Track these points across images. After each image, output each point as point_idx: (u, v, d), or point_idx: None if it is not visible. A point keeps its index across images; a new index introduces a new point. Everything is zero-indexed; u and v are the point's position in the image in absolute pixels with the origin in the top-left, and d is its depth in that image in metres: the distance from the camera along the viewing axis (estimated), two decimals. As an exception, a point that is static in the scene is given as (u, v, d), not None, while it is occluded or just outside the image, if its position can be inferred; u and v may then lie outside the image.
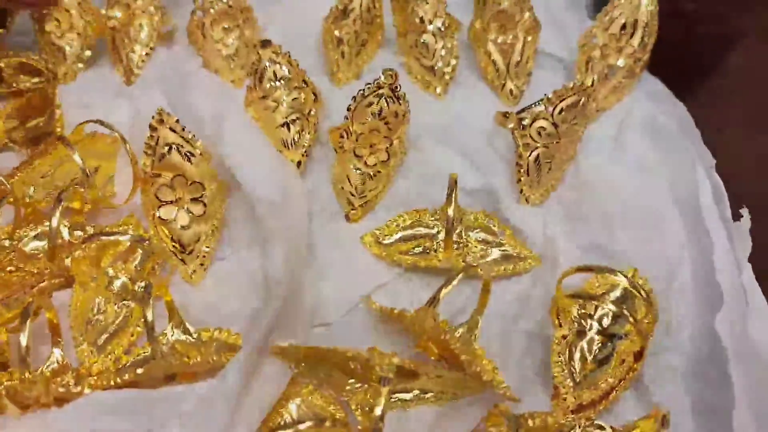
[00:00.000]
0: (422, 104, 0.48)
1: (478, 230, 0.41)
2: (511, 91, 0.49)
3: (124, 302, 0.39)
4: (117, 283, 0.39)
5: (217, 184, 0.41)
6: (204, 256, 0.40)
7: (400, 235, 0.42)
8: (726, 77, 0.53)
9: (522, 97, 0.49)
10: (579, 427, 0.33)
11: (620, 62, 0.47)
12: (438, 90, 0.49)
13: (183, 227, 0.40)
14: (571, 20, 0.52)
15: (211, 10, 0.49)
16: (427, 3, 0.48)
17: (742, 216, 0.38)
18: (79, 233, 0.41)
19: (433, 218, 0.42)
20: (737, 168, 0.43)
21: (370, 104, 0.39)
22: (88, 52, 0.51)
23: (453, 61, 0.49)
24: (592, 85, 0.41)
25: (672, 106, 0.46)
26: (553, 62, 0.51)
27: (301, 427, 0.30)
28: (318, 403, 0.35)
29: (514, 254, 0.41)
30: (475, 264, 0.39)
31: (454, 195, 0.39)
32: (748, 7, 0.55)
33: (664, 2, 0.47)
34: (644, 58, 0.47)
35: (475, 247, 0.41)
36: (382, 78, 0.39)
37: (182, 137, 0.39)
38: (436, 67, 0.49)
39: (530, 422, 0.33)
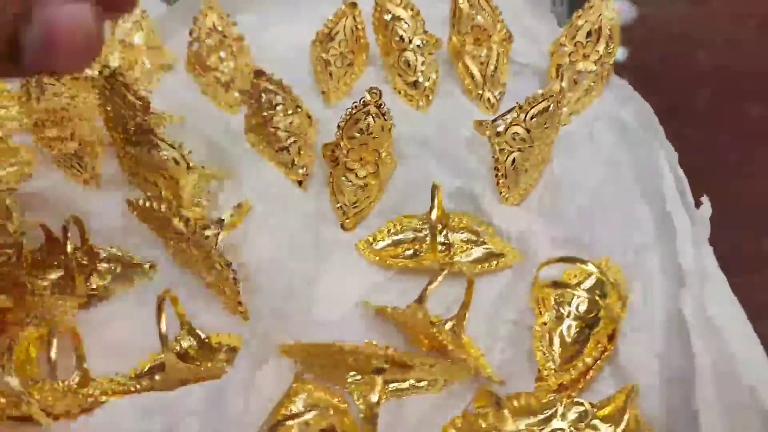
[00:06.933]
0: (407, 117, 0.51)
1: (462, 231, 0.44)
2: (488, 99, 0.52)
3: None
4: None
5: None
6: None
7: (391, 240, 0.45)
8: (688, 75, 0.56)
9: (500, 105, 0.52)
10: (561, 404, 0.35)
11: (588, 67, 0.50)
12: (421, 103, 0.52)
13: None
14: (542, 30, 0.55)
15: (207, 41, 0.53)
16: (407, 23, 0.51)
17: (702, 203, 0.40)
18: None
19: (420, 223, 0.45)
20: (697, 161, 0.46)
21: (357, 121, 0.42)
22: None
23: (433, 75, 0.52)
24: (560, 91, 0.43)
25: (638, 105, 0.49)
26: (528, 70, 0.53)
27: (307, 416, 0.33)
28: (322, 396, 0.38)
29: (497, 252, 0.43)
30: (458, 263, 0.42)
31: (437, 201, 0.42)
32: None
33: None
34: (610, 62, 0.50)
35: (460, 247, 0.44)
36: (368, 96, 0.42)
37: None
38: (417, 82, 0.52)
39: (515, 402, 0.35)
